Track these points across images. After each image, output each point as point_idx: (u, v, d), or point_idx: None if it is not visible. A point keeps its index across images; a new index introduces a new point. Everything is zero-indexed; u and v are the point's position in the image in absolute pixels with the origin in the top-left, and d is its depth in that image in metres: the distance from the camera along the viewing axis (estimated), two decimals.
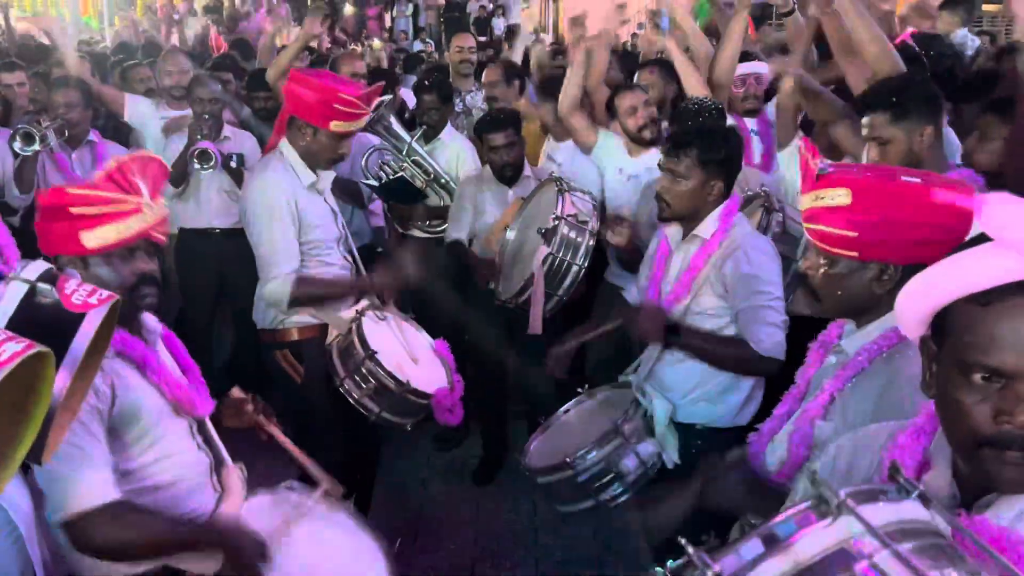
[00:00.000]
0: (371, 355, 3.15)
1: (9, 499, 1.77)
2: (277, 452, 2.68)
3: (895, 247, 1.78)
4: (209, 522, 2.27)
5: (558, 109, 4.37)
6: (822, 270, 1.89)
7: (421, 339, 3.55)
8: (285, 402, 3.52)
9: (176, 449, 2.23)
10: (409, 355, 3.36)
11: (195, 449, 2.31)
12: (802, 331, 2.76)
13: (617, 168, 4.23)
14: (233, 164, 4.60)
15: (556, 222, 3.55)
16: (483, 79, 5.19)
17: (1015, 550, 1.09)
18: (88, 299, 1.51)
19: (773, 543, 0.90)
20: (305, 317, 3.36)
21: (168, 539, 2.14)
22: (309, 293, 3.28)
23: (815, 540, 0.90)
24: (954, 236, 1.72)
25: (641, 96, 4.15)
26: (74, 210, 2.04)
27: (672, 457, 2.96)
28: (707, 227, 2.94)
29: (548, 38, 12.99)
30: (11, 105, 5.30)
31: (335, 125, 3.23)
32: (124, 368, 2.12)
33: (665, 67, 4.59)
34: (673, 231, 3.06)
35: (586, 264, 3.60)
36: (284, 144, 3.35)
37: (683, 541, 0.88)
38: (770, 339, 2.83)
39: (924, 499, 0.97)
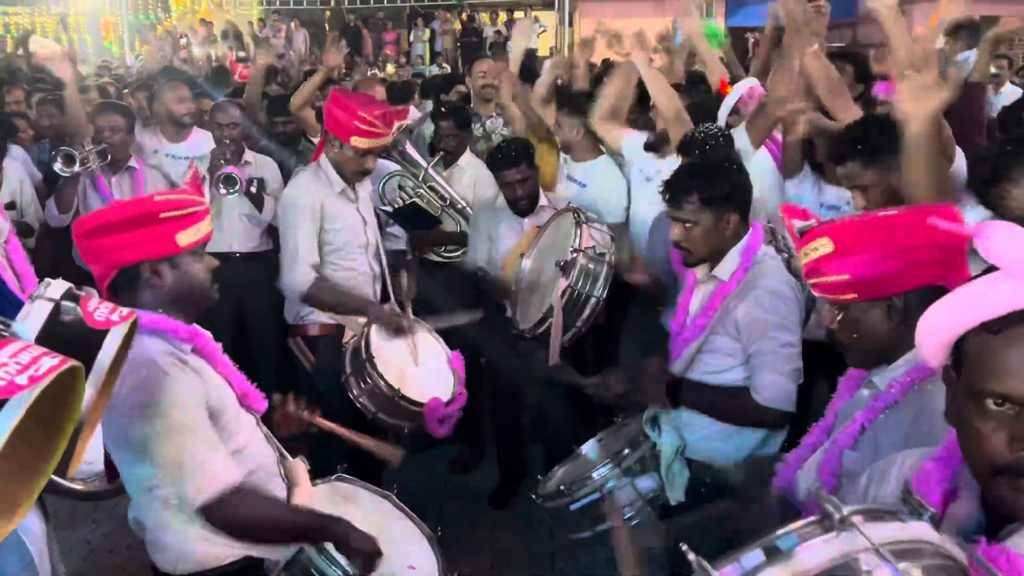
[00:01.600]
0: (370, 358, 3.35)
1: (21, 521, 1.80)
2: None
3: (888, 280, 1.82)
4: (327, 514, 2.33)
5: (593, 117, 4.40)
6: (838, 320, 1.93)
7: (437, 349, 3.68)
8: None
9: (250, 440, 2.32)
10: (414, 363, 3.51)
11: (263, 440, 2.40)
12: (815, 363, 2.76)
13: (639, 169, 4.31)
14: (253, 189, 4.64)
15: (575, 255, 3.57)
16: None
17: None
18: (110, 316, 1.55)
19: (775, 554, 0.91)
20: (324, 317, 3.75)
21: (292, 525, 2.26)
22: (322, 297, 3.66)
23: (816, 553, 0.90)
24: (947, 254, 1.78)
25: None
26: (165, 215, 2.19)
27: (675, 495, 2.89)
28: (725, 267, 2.84)
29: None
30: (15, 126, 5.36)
31: (355, 140, 3.60)
32: (199, 362, 2.21)
33: (679, 90, 4.62)
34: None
35: (604, 295, 3.60)
36: (323, 155, 3.74)
37: (684, 547, 0.89)
38: (774, 388, 2.72)
39: (934, 522, 0.97)
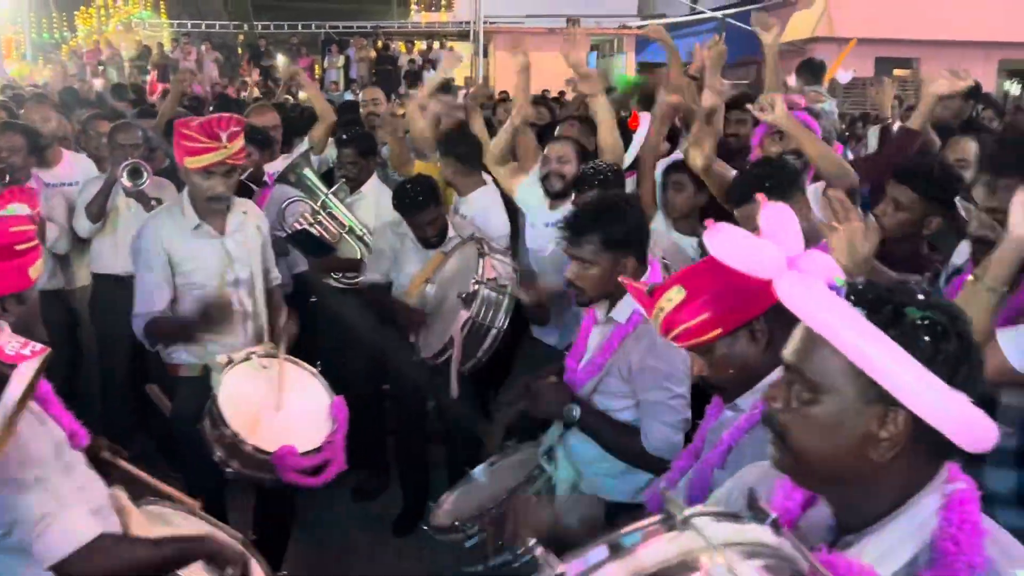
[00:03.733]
0: (214, 399, 3.09)
1: None
2: None
3: (745, 304, 1.88)
4: (189, 535, 2.28)
5: (488, 158, 4.47)
6: (708, 363, 1.97)
7: (314, 394, 3.35)
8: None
9: (88, 477, 2.20)
10: (276, 409, 3.21)
11: (96, 475, 2.28)
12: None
13: (537, 215, 4.31)
14: (154, 203, 4.53)
15: (477, 286, 3.60)
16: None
17: None
18: (21, 351, 1.53)
19: (617, 550, 0.94)
20: (192, 357, 3.50)
21: (158, 560, 2.15)
22: (163, 332, 3.49)
23: (656, 550, 0.94)
24: None
25: (566, 149, 4.17)
26: (19, 247, 2.07)
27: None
28: (623, 310, 2.78)
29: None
30: None
31: (188, 161, 3.32)
32: (34, 405, 2.07)
33: (586, 122, 4.73)
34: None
35: (505, 326, 3.64)
36: (185, 189, 3.53)
37: (532, 542, 0.92)
38: (660, 438, 2.71)
39: (776, 527, 1.02)
